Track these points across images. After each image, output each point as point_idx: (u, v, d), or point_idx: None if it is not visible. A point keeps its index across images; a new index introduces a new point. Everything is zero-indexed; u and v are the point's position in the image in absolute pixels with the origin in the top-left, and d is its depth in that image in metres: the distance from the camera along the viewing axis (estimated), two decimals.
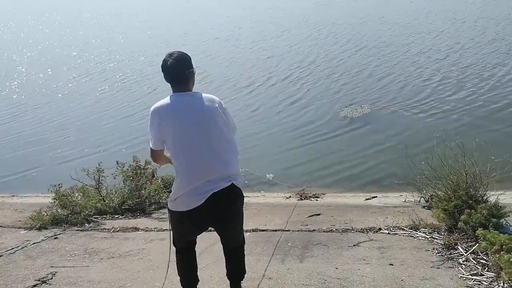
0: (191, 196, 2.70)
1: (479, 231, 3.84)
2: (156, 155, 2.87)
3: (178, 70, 2.77)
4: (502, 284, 3.23)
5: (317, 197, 6.68)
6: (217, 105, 2.80)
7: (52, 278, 3.87)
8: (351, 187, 7.28)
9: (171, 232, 3.01)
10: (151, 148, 2.82)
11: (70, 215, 5.67)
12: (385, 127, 9.36)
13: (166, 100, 2.77)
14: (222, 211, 2.79)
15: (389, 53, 15.21)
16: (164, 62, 2.78)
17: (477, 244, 3.85)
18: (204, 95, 2.81)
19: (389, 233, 4.51)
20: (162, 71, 2.81)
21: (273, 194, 7.14)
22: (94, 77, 17.41)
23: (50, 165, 9.83)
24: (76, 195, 6.12)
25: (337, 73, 13.69)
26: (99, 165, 6.38)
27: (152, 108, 2.77)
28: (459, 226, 4.19)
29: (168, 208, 2.90)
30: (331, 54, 16.09)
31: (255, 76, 14.75)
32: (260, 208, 5.98)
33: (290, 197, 6.71)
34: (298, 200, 6.56)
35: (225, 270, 3.14)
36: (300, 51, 17.10)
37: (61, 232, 5.25)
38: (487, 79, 11.51)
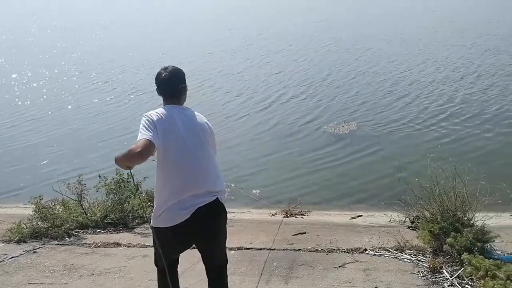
0: (176, 210, 2.65)
1: (465, 255, 3.84)
2: (150, 146, 2.51)
3: (172, 83, 2.82)
4: None
5: (303, 215, 6.63)
6: (206, 124, 2.85)
7: None
8: (337, 204, 7.26)
9: (154, 249, 2.94)
10: (146, 139, 2.52)
11: (51, 228, 5.52)
12: (371, 145, 9.39)
13: (159, 110, 2.76)
14: (207, 226, 2.74)
15: (378, 70, 15.39)
16: (159, 74, 2.84)
17: (462, 269, 3.85)
18: (196, 112, 2.86)
19: (374, 254, 4.48)
20: (156, 83, 2.85)
21: (258, 210, 7.08)
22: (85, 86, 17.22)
23: (32, 176, 9.60)
24: (58, 207, 5.97)
25: (324, 90, 13.77)
26: (80, 177, 6.25)
27: (147, 113, 2.72)
28: (444, 249, 4.19)
29: (151, 226, 2.82)
30: (319, 71, 16.21)
31: (238, 89, 14.80)
32: (245, 225, 5.91)
33: (275, 214, 6.66)
34: (284, 217, 6.50)
35: None
36: (288, 67, 17.19)
37: (40, 246, 5.10)
38: (484, 98, 11.67)
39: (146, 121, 2.65)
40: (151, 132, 2.57)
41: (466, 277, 3.73)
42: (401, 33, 21.52)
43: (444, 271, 3.94)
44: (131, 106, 13.93)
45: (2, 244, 5.26)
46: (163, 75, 2.80)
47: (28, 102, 15.56)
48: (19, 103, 15.58)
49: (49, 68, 20.32)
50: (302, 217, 6.53)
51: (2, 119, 13.96)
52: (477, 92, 12.33)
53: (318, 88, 14.02)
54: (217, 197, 2.76)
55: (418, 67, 15.46)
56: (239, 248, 4.79)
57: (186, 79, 2.90)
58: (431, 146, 9.00)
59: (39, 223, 5.64)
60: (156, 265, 2.98)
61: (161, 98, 2.89)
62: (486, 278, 3.48)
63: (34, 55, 23.78)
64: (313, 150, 9.48)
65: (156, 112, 2.73)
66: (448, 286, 3.70)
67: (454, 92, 12.56)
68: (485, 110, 10.90)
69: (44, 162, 10.36)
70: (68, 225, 5.61)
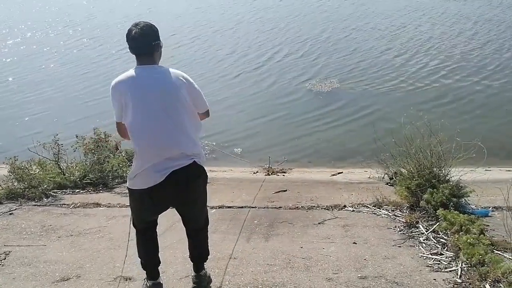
0: (151, 173, 2.59)
1: (440, 211, 3.94)
2: (120, 127, 2.70)
3: (143, 40, 2.59)
4: (460, 264, 3.31)
5: (284, 173, 6.67)
6: (183, 81, 2.64)
7: (5, 259, 3.68)
8: (318, 162, 7.33)
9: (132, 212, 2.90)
10: (116, 121, 2.68)
11: (27, 189, 5.42)
12: (353, 103, 9.42)
13: (128, 73, 2.61)
14: (183, 190, 2.68)
15: (362, 29, 15.15)
16: (129, 31, 2.60)
17: (438, 224, 3.94)
18: (171, 70, 2.65)
19: (353, 211, 4.55)
20: (127, 41, 2.63)
21: (240, 169, 7.09)
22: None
23: (7, 137, 9.35)
24: (34, 168, 5.84)
25: (306, 48, 13.56)
26: (55, 137, 6.09)
27: (113, 82, 2.60)
28: (421, 204, 4.28)
29: (127, 187, 2.76)
30: (302, 28, 15.89)
31: (221, 48, 14.44)
32: (227, 183, 5.92)
33: (257, 172, 6.68)
34: (265, 175, 6.53)
35: None
36: (271, 26, 16.77)
37: (17, 208, 5.00)
38: (461, 59, 11.65)
39: (112, 95, 2.60)
40: (116, 109, 2.62)
41: (441, 232, 3.82)
42: None
43: (420, 225, 4.03)
44: (120, 64, 13.44)
45: None
46: (133, 32, 2.58)
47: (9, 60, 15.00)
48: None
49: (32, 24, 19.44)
50: (283, 175, 6.58)
51: None
52: (459, 51, 12.33)
53: (309, 47, 13.83)
54: (194, 160, 2.67)
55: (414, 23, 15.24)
56: (220, 207, 4.80)
57: (159, 35, 2.69)
58: (414, 104, 9.05)
59: (15, 183, 5.52)
60: (134, 226, 2.94)
61: None
62: (460, 233, 3.59)
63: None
64: (294, 108, 9.48)
65: (121, 80, 2.58)
66: (424, 240, 3.79)
67: (434, 50, 12.53)
68: (462, 68, 10.93)
69: (21, 123, 10.08)
70: (45, 186, 5.51)
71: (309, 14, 17.87)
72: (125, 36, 2.63)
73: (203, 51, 14.50)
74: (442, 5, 16.58)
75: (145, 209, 2.78)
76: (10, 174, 5.61)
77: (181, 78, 2.65)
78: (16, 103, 11.46)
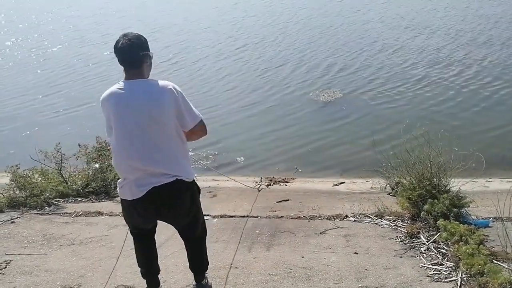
0: (132, 187, 2.60)
1: (440, 221, 3.94)
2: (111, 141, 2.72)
3: (130, 51, 2.51)
4: (460, 274, 3.32)
5: (286, 182, 6.68)
6: (169, 94, 2.53)
7: (6, 267, 3.70)
8: (319, 172, 7.33)
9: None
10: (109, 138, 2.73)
11: (29, 198, 5.43)
12: (355, 113, 9.43)
13: (113, 88, 2.57)
14: (165, 206, 2.67)
15: (362, 40, 15.22)
16: (116, 42, 2.53)
17: (438, 234, 3.95)
18: (159, 82, 2.55)
19: (355, 221, 4.55)
20: (114, 52, 2.55)
21: (242, 178, 7.09)
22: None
23: (8, 144, 9.39)
24: (36, 176, 5.86)
25: (309, 58, 13.63)
26: (57, 145, 6.12)
27: (101, 97, 2.60)
28: (422, 215, 4.28)
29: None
30: (304, 39, 15.98)
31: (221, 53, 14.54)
32: (229, 193, 5.93)
33: (260, 181, 6.68)
34: (268, 185, 6.54)
35: None
36: (271, 34, 16.88)
37: (18, 216, 5.01)
38: (461, 69, 11.67)
39: (102, 109, 2.63)
40: (106, 125, 2.65)
41: (442, 242, 3.83)
42: None
43: (421, 236, 4.04)
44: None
45: None
46: (120, 43, 2.50)
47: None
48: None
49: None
50: (285, 185, 6.59)
51: None
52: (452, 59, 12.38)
53: (310, 56, 13.86)
54: (177, 178, 2.60)
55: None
56: (222, 216, 4.80)
57: (149, 46, 2.60)
58: (415, 113, 9.08)
59: (16, 192, 5.54)
60: (131, 233, 2.95)
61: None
62: (460, 243, 3.60)
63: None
64: (297, 117, 9.50)
65: (107, 94, 2.56)
66: (425, 250, 3.80)
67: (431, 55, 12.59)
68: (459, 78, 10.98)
69: (24, 130, 10.13)
70: (47, 194, 5.54)
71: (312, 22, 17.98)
72: (115, 46, 2.54)
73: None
74: (445, 24, 16.58)
75: (133, 218, 2.79)
76: (12, 182, 5.64)
77: (169, 90, 2.54)
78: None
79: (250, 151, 8.21)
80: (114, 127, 2.57)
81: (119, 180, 2.72)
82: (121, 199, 2.76)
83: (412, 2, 19.85)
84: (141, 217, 2.74)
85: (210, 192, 5.91)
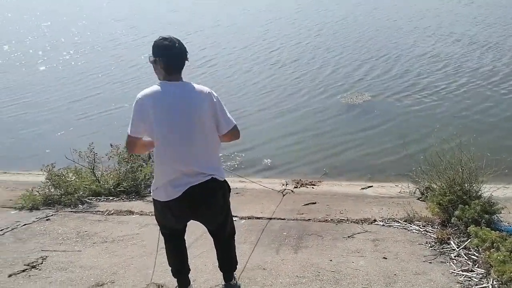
0: (170, 188, 2.66)
1: (471, 228, 3.87)
2: (131, 142, 2.65)
3: (181, 56, 2.63)
4: (491, 281, 3.25)
5: (313, 185, 6.67)
6: (207, 97, 2.64)
7: (42, 263, 3.83)
8: (347, 175, 7.28)
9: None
10: (129, 135, 2.63)
11: (64, 196, 5.64)
12: (384, 116, 9.33)
13: (153, 88, 2.62)
14: (200, 205, 2.73)
15: (391, 42, 15.07)
16: (168, 47, 2.59)
17: (469, 240, 3.87)
18: (195, 85, 2.67)
19: (383, 225, 4.51)
20: (162, 56, 2.60)
21: (270, 180, 7.13)
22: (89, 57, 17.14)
23: (44, 143, 9.71)
24: (70, 175, 6.06)
25: (339, 60, 13.58)
26: (90, 145, 6.31)
27: (138, 95, 2.62)
28: (452, 221, 4.21)
29: (152, 197, 2.85)
30: (330, 40, 15.91)
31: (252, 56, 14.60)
32: (256, 194, 5.96)
33: (287, 184, 6.69)
34: (295, 187, 6.55)
35: None
36: (306, 38, 16.84)
37: (53, 214, 5.20)
38: (492, 72, 11.39)
39: (136, 109, 2.58)
40: (132, 122, 2.59)
41: (473, 248, 3.76)
42: None
43: (451, 242, 3.97)
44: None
45: (15, 211, 5.37)
46: (173, 49, 2.59)
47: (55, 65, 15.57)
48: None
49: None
50: (312, 187, 6.57)
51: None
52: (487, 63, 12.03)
53: (342, 55, 13.79)
54: (212, 177, 2.69)
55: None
56: (249, 218, 4.85)
57: None
58: (446, 117, 8.91)
59: (51, 190, 5.75)
60: (161, 233, 3.02)
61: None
62: (491, 250, 3.52)
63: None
64: (324, 120, 9.47)
65: (147, 94, 2.58)
66: (455, 256, 3.74)
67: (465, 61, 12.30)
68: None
69: (59, 130, 10.45)
70: (81, 193, 5.72)
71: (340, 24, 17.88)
72: (159, 50, 2.61)
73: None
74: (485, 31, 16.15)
75: (167, 218, 2.86)
76: (48, 180, 5.85)
77: (207, 94, 2.65)
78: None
79: (278, 153, 8.22)
80: (157, 128, 2.58)
81: (154, 182, 2.78)
82: (154, 200, 2.81)
83: (449, 10, 19.47)
84: (175, 217, 2.80)
85: (237, 193, 5.96)
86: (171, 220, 2.85)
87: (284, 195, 5.68)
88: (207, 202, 2.75)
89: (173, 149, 2.62)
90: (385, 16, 19.76)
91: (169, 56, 2.62)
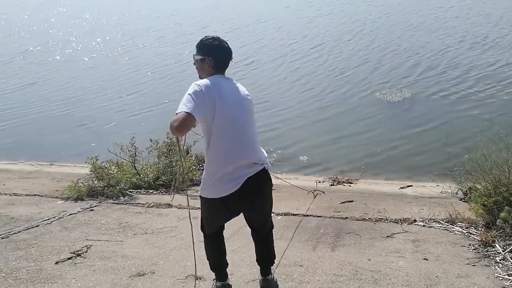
0: (225, 183, 2.65)
1: None
2: (189, 119, 2.38)
3: (230, 56, 2.80)
4: None
5: (350, 183, 6.59)
6: (248, 94, 2.82)
7: (87, 251, 3.98)
8: (386, 174, 7.13)
9: (201, 217, 2.98)
10: (185, 111, 2.39)
11: (106, 188, 5.84)
12: (424, 114, 9.09)
13: (212, 79, 2.65)
14: (256, 195, 2.77)
15: (434, 39, 14.58)
16: (218, 46, 2.76)
17: None
18: (238, 83, 2.82)
19: (424, 226, 4.41)
20: (215, 54, 2.73)
21: (306, 177, 7.09)
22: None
23: (90, 137, 10.08)
24: (113, 168, 6.27)
25: (378, 57, 13.30)
26: (132, 140, 6.51)
27: (197, 81, 2.61)
28: (497, 223, 4.05)
29: (200, 196, 2.82)
30: (373, 37, 15.59)
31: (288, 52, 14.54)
32: (292, 191, 5.94)
33: (323, 181, 6.65)
34: (331, 185, 6.49)
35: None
36: (348, 33, 16.60)
37: (97, 204, 5.40)
38: None
39: (195, 90, 2.51)
40: (193, 103, 2.44)
41: None
42: None
43: (496, 245, 3.82)
44: None
45: (61, 201, 5.62)
46: (226, 48, 2.77)
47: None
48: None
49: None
50: (349, 185, 6.50)
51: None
52: None
53: (373, 50, 13.52)
54: (264, 166, 2.78)
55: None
56: (285, 214, 4.86)
57: None
58: (490, 115, 8.58)
59: (95, 182, 5.96)
60: (202, 230, 3.04)
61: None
62: None
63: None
64: (363, 118, 9.33)
65: (205, 82, 2.61)
66: (500, 260, 3.59)
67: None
68: None
69: (105, 124, 10.82)
70: (122, 185, 5.90)
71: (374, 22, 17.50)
72: (209, 50, 2.73)
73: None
74: None
75: (219, 216, 2.88)
76: (92, 172, 6.07)
77: (247, 92, 2.83)
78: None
79: (314, 151, 8.17)
80: (219, 113, 2.56)
81: (203, 181, 2.75)
82: (205, 199, 2.78)
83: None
84: (230, 211, 2.82)
85: (273, 189, 5.95)
86: (225, 216, 2.87)
87: (315, 196, 5.58)
88: (261, 191, 2.81)
89: (234, 139, 2.66)
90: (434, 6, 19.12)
91: (219, 56, 2.76)
